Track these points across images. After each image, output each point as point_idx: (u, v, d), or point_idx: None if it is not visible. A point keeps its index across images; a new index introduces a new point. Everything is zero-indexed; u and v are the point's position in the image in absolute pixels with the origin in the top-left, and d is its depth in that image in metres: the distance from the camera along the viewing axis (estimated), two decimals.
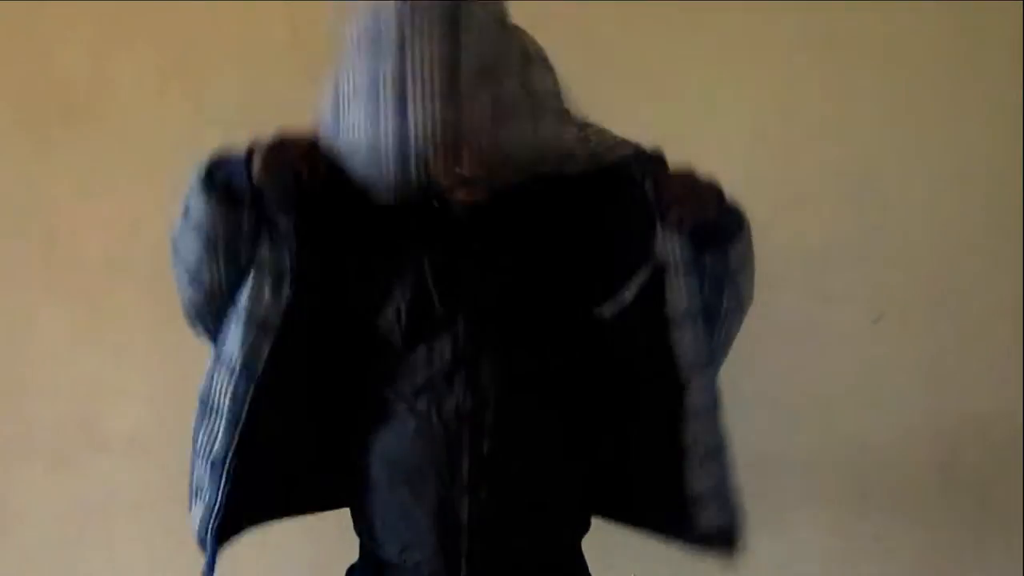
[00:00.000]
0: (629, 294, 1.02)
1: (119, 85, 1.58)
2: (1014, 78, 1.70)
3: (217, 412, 1.04)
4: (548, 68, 0.97)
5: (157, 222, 1.65)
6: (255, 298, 1.01)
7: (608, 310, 1.03)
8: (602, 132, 1.03)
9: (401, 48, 0.84)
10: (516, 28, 0.95)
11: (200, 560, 1.14)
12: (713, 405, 1.09)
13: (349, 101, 0.90)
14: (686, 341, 1.03)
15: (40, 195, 1.61)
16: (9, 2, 1.54)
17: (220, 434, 1.04)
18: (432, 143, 0.85)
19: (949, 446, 1.86)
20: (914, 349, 1.81)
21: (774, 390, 1.79)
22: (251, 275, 1.01)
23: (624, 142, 1.03)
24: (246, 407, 1.02)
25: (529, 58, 0.94)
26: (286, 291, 1.00)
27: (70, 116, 1.58)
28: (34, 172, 1.60)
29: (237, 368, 1.02)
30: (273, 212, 0.99)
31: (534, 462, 1.05)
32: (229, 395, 1.03)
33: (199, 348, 1.70)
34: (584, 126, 1.02)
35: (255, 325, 1.01)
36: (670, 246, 1.01)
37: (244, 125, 1.61)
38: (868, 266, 1.76)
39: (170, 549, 1.74)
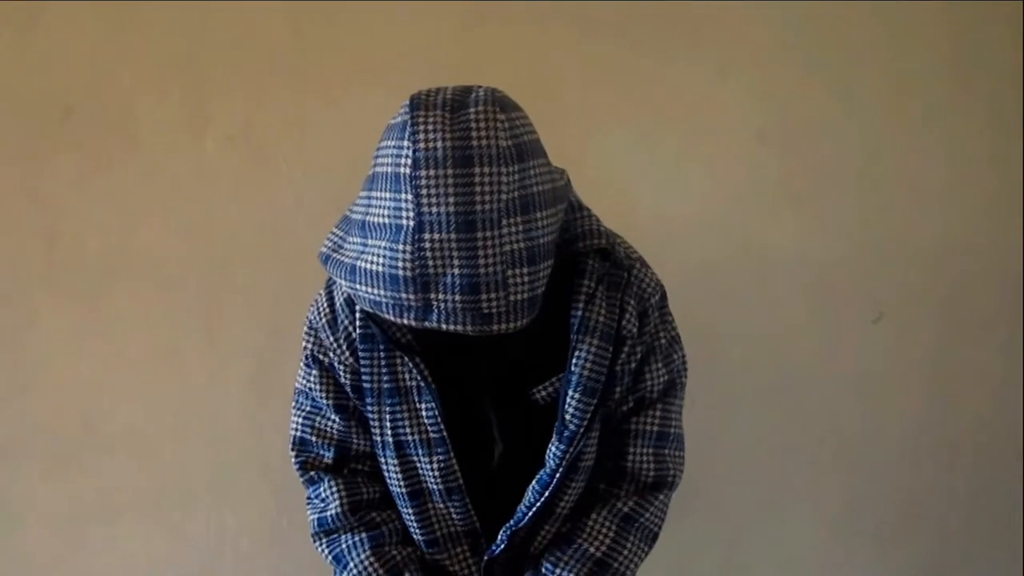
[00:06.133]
0: (544, 396, 1.05)
1: (119, 85, 1.58)
2: (1014, 78, 1.70)
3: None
4: (551, 202, 0.93)
5: (157, 222, 1.67)
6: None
7: (537, 396, 1.06)
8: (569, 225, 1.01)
9: (417, 198, 0.84)
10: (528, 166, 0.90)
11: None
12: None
13: (373, 228, 0.89)
14: (554, 452, 1.04)
15: (40, 195, 1.60)
16: (9, 2, 1.54)
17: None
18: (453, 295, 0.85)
19: (949, 446, 1.86)
20: (914, 349, 1.81)
21: (774, 389, 1.80)
22: None
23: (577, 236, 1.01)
24: None
25: (536, 200, 0.90)
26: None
27: (70, 116, 1.58)
28: (34, 172, 1.60)
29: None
30: None
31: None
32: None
33: (199, 348, 1.71)
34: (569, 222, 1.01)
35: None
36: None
37: (245, 125, 1.63)
38: (868, 266, 1.76)
39: (170, 549, 1.75)
